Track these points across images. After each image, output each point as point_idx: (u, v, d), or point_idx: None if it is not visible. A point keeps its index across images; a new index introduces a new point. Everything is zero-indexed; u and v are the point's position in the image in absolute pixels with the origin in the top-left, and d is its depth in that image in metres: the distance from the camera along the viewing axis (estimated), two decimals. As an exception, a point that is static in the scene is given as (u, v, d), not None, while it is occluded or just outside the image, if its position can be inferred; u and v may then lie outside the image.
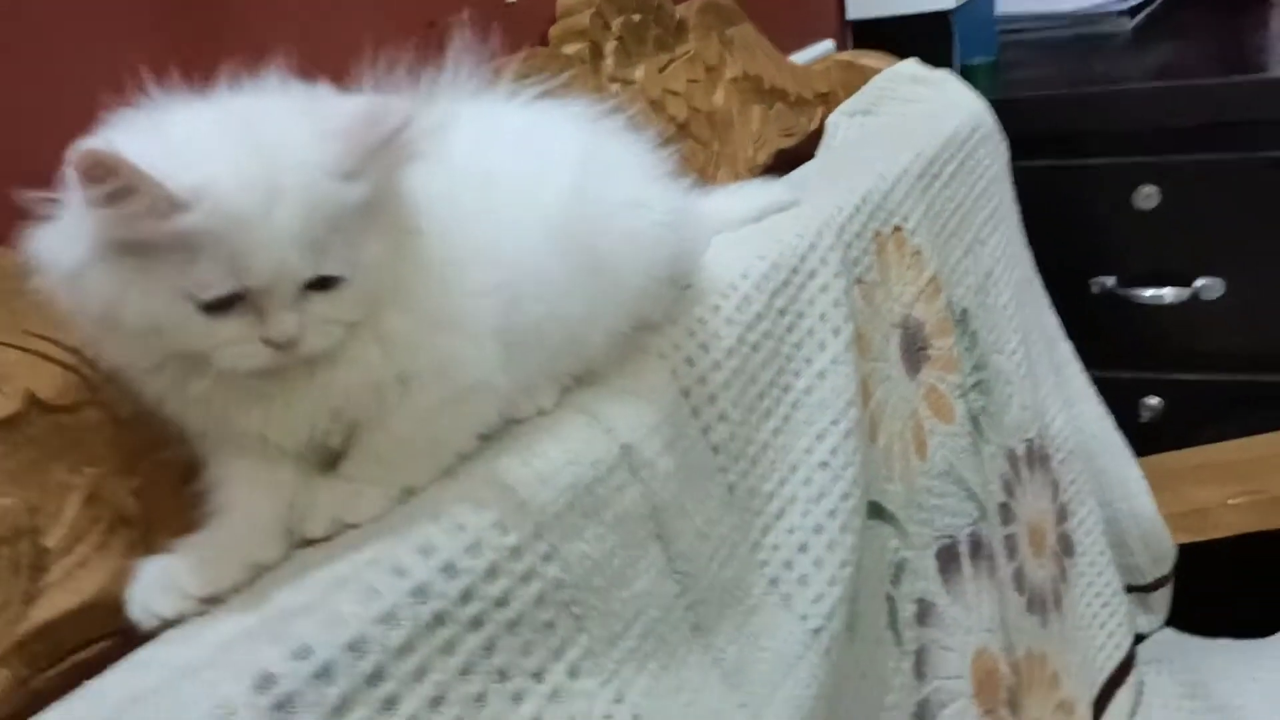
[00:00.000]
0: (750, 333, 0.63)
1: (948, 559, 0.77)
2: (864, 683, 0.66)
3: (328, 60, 0.46)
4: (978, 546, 0.79)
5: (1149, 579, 1.11)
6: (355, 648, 0.38)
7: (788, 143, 0.97)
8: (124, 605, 0.40)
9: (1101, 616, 1.02)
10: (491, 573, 0.43)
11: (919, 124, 0.95)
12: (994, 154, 1.02)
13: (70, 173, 0.36)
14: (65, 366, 0.41)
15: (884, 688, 0.68)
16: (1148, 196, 1.16)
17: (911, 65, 1.07)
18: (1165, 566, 1.10)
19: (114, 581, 0.41)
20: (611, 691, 0.48)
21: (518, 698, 0.43)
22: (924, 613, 0.74)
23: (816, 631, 0.60)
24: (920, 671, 0.72)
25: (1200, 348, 1.19)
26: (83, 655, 0.41)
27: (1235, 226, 1.13)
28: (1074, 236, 1.21)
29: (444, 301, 0.43)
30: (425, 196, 0.43)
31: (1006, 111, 1.15)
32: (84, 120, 0.38)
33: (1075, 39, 1.49)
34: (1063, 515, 1.01)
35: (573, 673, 0.46)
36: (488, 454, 0.47)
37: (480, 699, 0.42)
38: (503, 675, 0.43)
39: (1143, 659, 1.07)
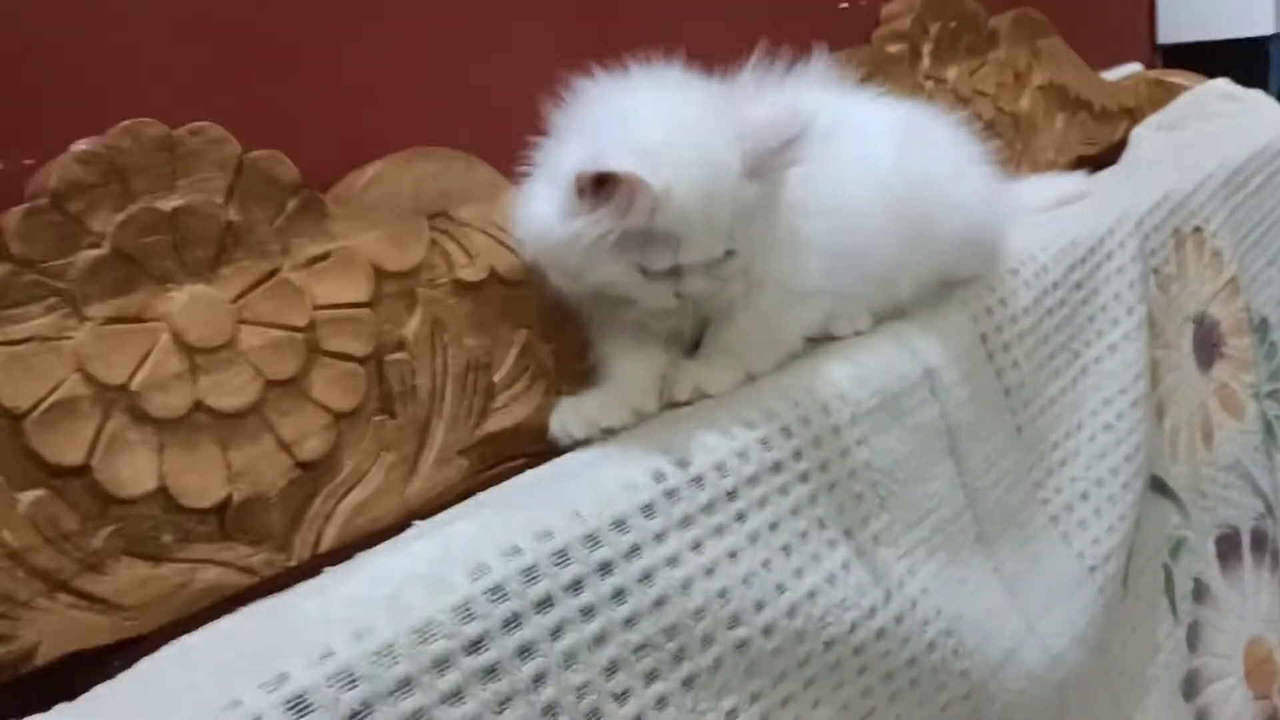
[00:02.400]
0: (1046, 298, 0.70)
1: (1228, 547, 0.79)
2: (1134, 636, 0.71)
3: (694, 52, 0.58)
4: (1260, 540, 0.81)
5: None
6: (719, 468, 0.49)
7: (1090, 150, 1.02)
8: (547, 428, 0.54)
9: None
10: (817, 441, 0.54)
11: (1227, 137, 0.97)
12: (1309, 172, 1.01)
13: (578, 180, 0.47)
14: (514, 252, 0.56)
15: (1155, 647, 0.72)
16: None
17: (1222, 83, 1.08)
18: None
19: (536, 414, 0.55)
20: (906, 564, 0.56)
21: (833, 544, 0.53)
22: (1200, 591, 0.77)
23: (1092, 569, 0.66)
24: (1193, 644, 0.75)
25: None
26: (513, 464, 0.55)
27: None
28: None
29: (787, 222, 0.54)
30: None
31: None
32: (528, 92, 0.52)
33: None
34: (1362, 543, 0.98)
35: (875, 540, 0.55)
36: (815, 357, 0.58)
37: (804, 535, 0.52)
38: (821, 524, 0.53)
39: None
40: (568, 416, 0.54)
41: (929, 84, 0.86)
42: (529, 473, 0.50)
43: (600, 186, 0.48)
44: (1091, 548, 0.66)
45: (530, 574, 0.42)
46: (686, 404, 0.55)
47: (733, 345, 0.57)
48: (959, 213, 0.62)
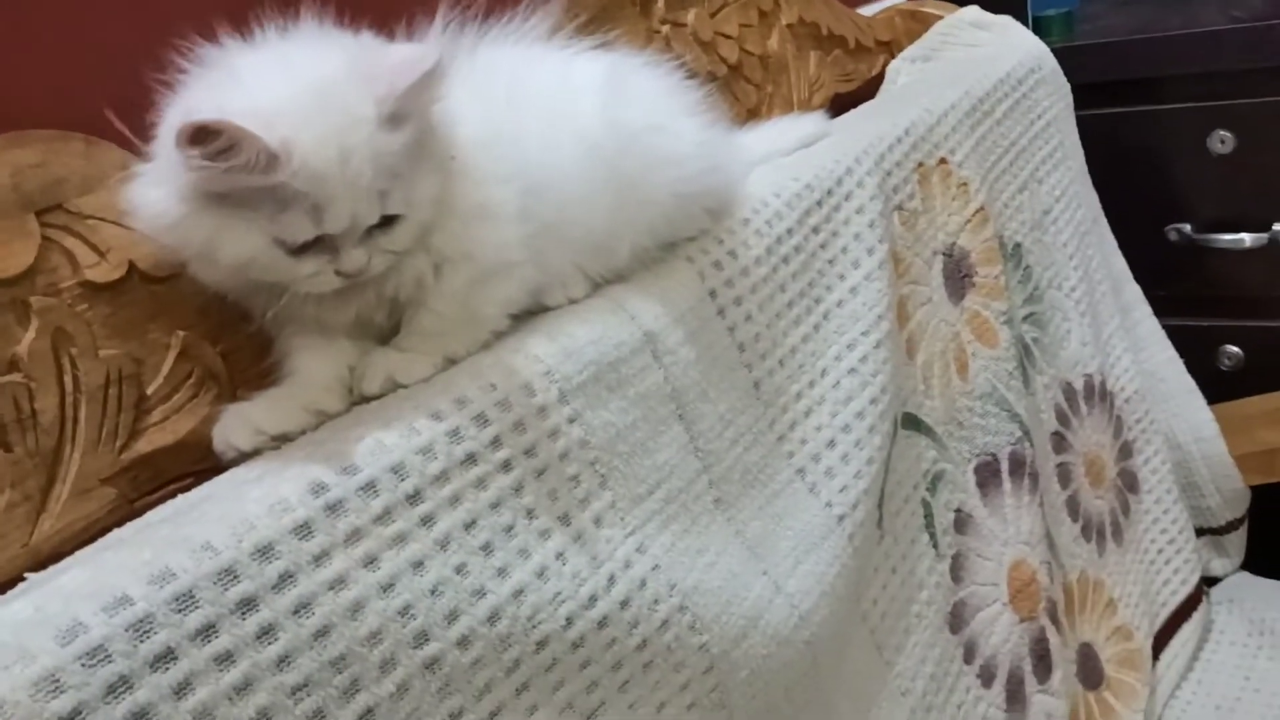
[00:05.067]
0: (780, 246, 0.67)
1: (987, 474, 0.80)
2: (894, 578, 0.70)
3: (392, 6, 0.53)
4: (1019, 464, 0.82)
5: (1222, 521, 1.10)
6: (396, 470, 0.44)
7: (846, 87, 1.01)
8: (210, 441, 0.47)
9: (1167, 553, 1.02)
10: (519, 426, 0.49)
11: (973, 66, 0.97)
12: (1054, 96, 1.03)
13: (176, 136, 0.41)
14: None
15: (917, 585, 0.72)
16: (1222, 141, 1.15)
17: (973, 11, 1.09)
18: (1238, 509, 1.10)
19: (204, 425, 0.49)
20: (634, 542, 0.53)
21: (544, 534, 0.49)
22: (961, 522, 0.77)
23: (841, 518, 0.64)
24: (957, 575, 0.76)
25: (1278, 294, 1.17)
26: (178, 485, 0.48)
27: (1313, 168, 1.11)
28: (1149, 183, 1.21)
29: (471, 191, 0.49)
30: (463, 114, 0.50)
31: (1079, 58, 1.16)
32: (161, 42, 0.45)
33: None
34: (1126, 452, 1.02)
35: (597, 522, 0.52)
36: (521, 332, 0.53)
37: (509, 530, 0.48)
38: (530, 514, 0.49)
39: (1216, 599, 1.07)
40: (232, 425, 0.47)
41: (665, 29, 0.82)
42: (173, 500, 0.44)
43: (203, 143, 0.41)
44: (839, 496, 0.65)
45: (143, 627, 0.36)
46: (379, 398, 0.50)
47: (428, 328, 0.52)
48: (672, 166, 0.58)
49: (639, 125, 0.57)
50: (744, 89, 0.88)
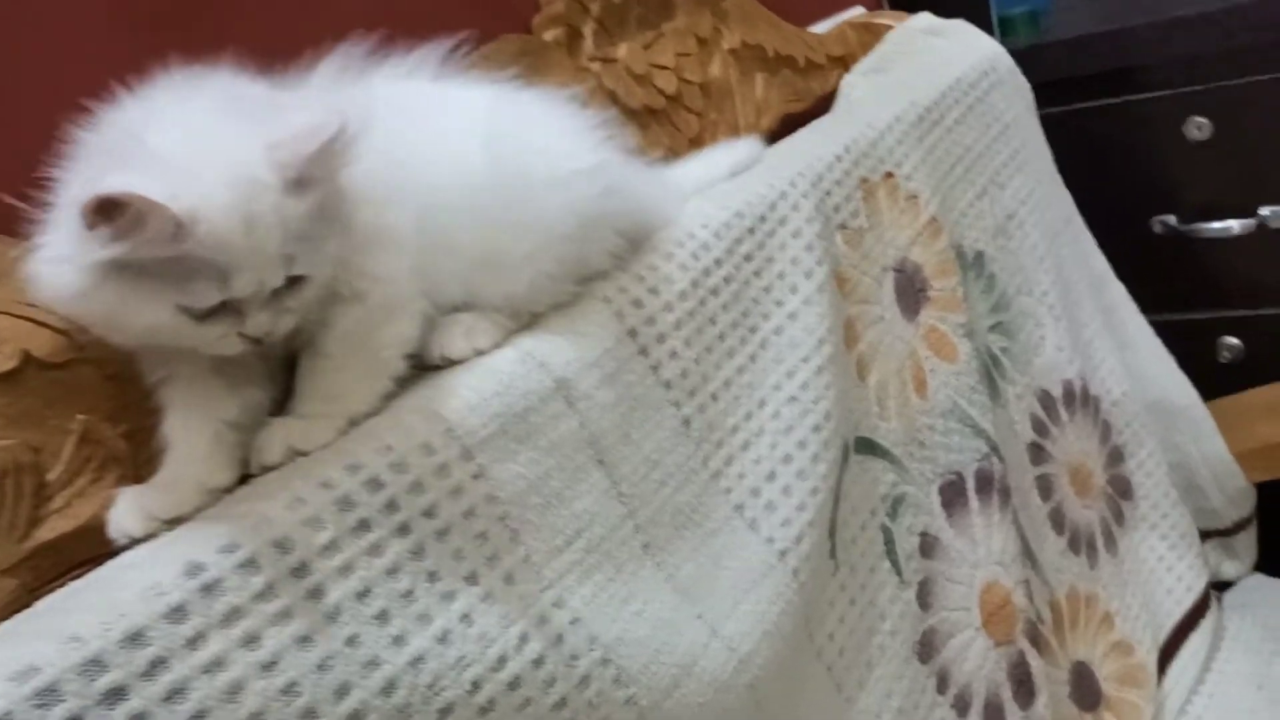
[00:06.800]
0: (709, 277, 0.66)
1: (952, 494, 0.78)
2: (852, 609, 0.68)
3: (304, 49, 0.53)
4: (986, 481, 0.80)
5: (1228, 522, 1.06)
6: (280, 545, 0.44)
7: (797, 107, 0.99)
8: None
9: (1169, 559, 0.99)
10: (417, 487, 0.49)
11: (923, 74, 0.96)
12: (1012, 97, 1.01)
13: (80, 211, 0.41)
14: (57, 330, 0.49)
15: (879, 616, 0.70)
16: (1199, 127, 1.12)
17: (924, 18, 1.07)
18: (1244, 509, 1.06)
19: (107, 509, 0.49)
20: (551, 597, 0.52)
21: (448, 596, 0.48)
22: (927, 546, 0.75)
23: (783, 553, 0.63)
24: (925, 602, 0.74)
25: (1273, 280, 1.14)
26: (81, 571, 0.48)
27: (1294, 148, 1.08)
28: (1129, 177, 1.18)
29: (364, 214, 0.49)
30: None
31: (1047, 56, 1.15)
32: (59, 112, 0.46)
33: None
34: (1117, 457, 0.99)
35: (509, 579, 0.51)
36: (422, 389, 0.53)
37: (409, 595, 0.47)
38: (432, 577, 0.48)
39: (1228, 605, 1.03)
40: (124, 511, 0.47)
41: (596, 66, 0.82)
42: (59, 591, 0.44)
43: (109, 216, 0.41)
44: (781, 530, 0.63)
45: (1, 726, 0.36)
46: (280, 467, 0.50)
47: (327, 389, 0.51)
48: (560, 188, 0.57)
49: (518, 149, 0.57)
50: (685, 118, 0.88)
